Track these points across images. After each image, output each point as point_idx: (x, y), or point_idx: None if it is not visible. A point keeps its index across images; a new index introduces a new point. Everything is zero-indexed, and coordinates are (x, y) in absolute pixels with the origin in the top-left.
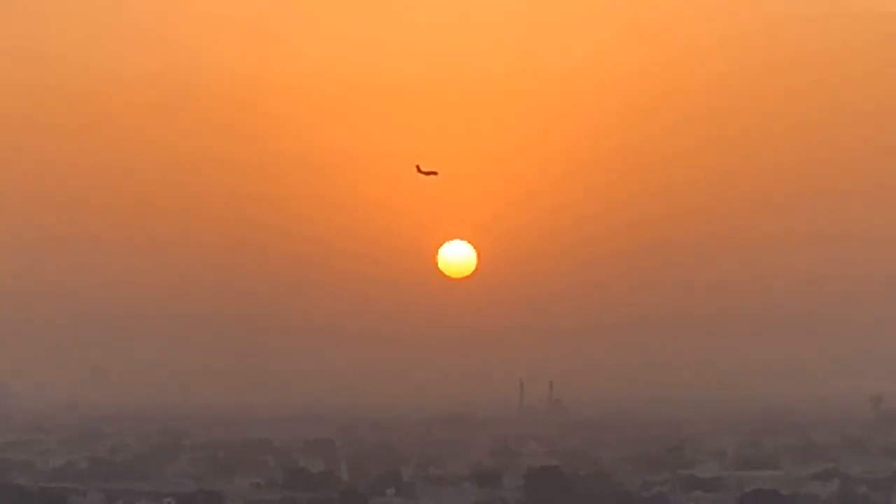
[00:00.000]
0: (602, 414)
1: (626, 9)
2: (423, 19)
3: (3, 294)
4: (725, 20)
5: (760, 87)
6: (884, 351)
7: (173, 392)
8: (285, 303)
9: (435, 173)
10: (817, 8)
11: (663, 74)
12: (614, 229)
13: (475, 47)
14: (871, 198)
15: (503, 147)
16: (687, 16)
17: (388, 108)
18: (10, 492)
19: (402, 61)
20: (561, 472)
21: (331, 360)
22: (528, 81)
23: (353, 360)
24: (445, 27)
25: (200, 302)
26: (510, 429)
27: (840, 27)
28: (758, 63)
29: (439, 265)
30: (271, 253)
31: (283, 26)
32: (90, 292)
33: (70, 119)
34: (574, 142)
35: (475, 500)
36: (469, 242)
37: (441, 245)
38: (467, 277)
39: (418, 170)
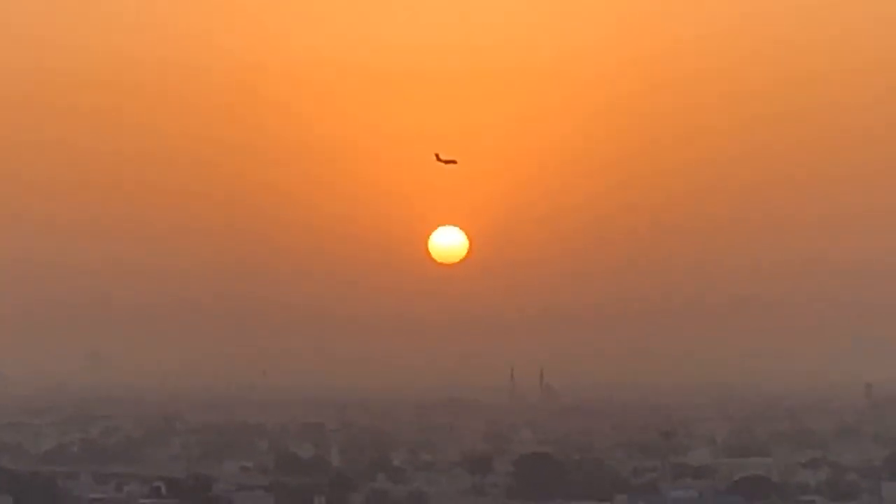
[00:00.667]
0: (593, 400)
1: (620, 3)
2: (419, 8)
3: None
4: (721, 10)
5: (754, 76)
6: (876, 338)
7: (166, 376)
8: (277, 288)
9: (454, 162)
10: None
11: (656, 64)
12: (606, 216)
13: (470, 36)
14: (864, 186)
15: (495, 133)
16: (681, 6)
17: (381, 96)
18: (1, 475)
19: (396, 49)
20: (552, 458)
21: (322, 346)
22: (522, 69)
23: (345, 345)
24: (441, 16)
25: (193, 286)
26: (502, 415)
27: (834, 16)
28: (751, 53)
29: (431, 251)
30: (263, 238)
31: (282, 13)
32: (84, 275)
33: (70, 104)
34: (567, 129)
35: (466, 486)
36: (461, 228)
37: (432, 231)
38: (459, 263)
39: (437, 158)
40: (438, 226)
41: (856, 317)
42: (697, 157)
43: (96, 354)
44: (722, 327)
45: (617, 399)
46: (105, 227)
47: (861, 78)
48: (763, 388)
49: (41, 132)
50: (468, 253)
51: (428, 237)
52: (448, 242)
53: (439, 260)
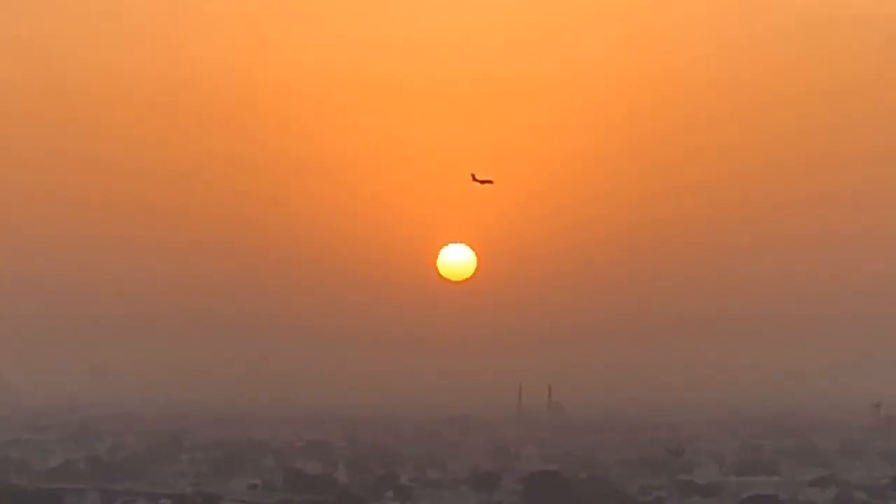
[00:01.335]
0: (601, 417)
1: (630, 12)
2: (425, 20)
3: (2, 292)
4: (730, 25)
5: (763, 90)
6: (884, 356)
7: (172, 392)
8: (285, 304)
9: (490, 182)
10: (819, 12)
11: (665, 78)
12: (614, 232)
13: (477, 49)
14: (874, 201)
15: (503, 149)
16: (690, 20)
17: (389, 109)
18: (7, 492)
19: (403, 61)
20: (559, 475)
21: (330, 362)
22: (530, 83)
23: (353, 361)
24: (448, 29)
25: (200, 302)
26: (509, 432)
27: (841, 31)
28: (760, 67)
29: (439, 268)
30: (271, 253)
31: (283, 25)
32: (89, 291)
33: (71, 117)
34: (574, 145)
35: (474, 503)
36: (469, 246)
37: (441, 248)
38: (467, 280)
39: (473, 178)
40: (447, 243)
41: (864, 335)
42: (709, 174)
43: (103, 370)
44: (730, 345)
45: (624, 416)
46: (114, 243)
47: (874, 93)
48: (771, 405)
49: (41, 145)
50: (476, 270)
51: (437, 254)
52: (456, 259)
53: (448, 277)
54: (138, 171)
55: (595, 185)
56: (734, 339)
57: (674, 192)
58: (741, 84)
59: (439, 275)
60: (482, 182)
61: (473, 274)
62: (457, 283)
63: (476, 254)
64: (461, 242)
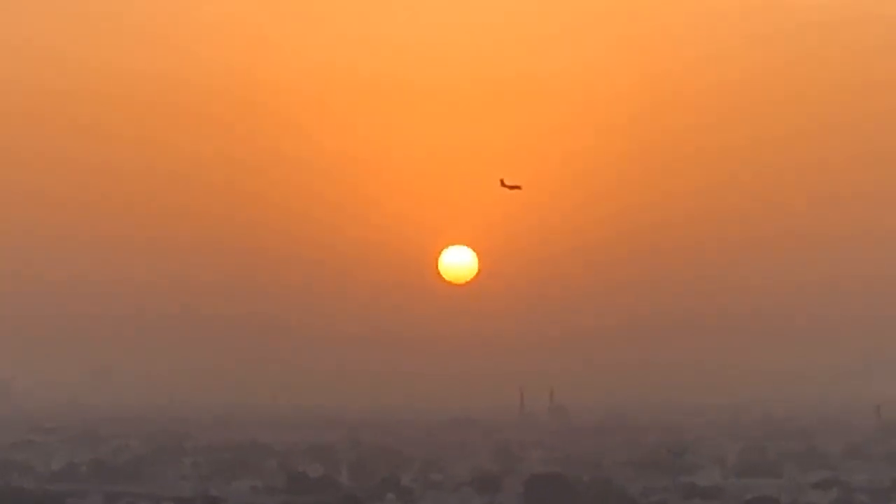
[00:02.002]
0: (603, 419)
1: (631, 14)
2: (426, 21)
3: (5, 293)
4: (730, 26)
5: (764, 92)
6: (886, 358)
7: (175, 394)
8: (286, 306)
9: (519, 188)
10: (819, 15)
11: (669, 80)
12: (616, 234)
13: (478, 49)
14: (876, 202)
15: (504, 151)
16: (692, 22)
17: (390, 111)
18: (10, 494)
19: (404, 63)
20: (562, 477)
21: (332, 364)
22: (531, 85)
23: (354, 364)
24: (449, 30)
25: (203, 304)
26: (511, 434)
27: (843, 33)
28: (760, 69)
29: (440, 270)
30: (272, 255)
31: (285, 26)
32: (92, 292)
33: (73, 118)
34: (577, 147)
35: None
36: (470, 248)
37: (442, 250)
38: (468, 283)
39: (502, 184)
40: (448, 245)
41: (867, 337)
42: (710, 175)
43: (106, 372)
44: (732, 347)
45: (627, 418)
46: (116, 244)
47: (878, 95)
48: (773, 408)
49: (44, 146)
50: (478, 272)
51: (438, 256)
52: (458, 262)
53: (449, 279)
54: (140, 171)
55: (597, 187)
56: (737, 342)
57: (676, 194)
58: (746, 86)
59: (441, 277)
60: (511, 188)
61: (475, 276)
62: (458, 285)
63: (478, 256)
64: (463, 245)
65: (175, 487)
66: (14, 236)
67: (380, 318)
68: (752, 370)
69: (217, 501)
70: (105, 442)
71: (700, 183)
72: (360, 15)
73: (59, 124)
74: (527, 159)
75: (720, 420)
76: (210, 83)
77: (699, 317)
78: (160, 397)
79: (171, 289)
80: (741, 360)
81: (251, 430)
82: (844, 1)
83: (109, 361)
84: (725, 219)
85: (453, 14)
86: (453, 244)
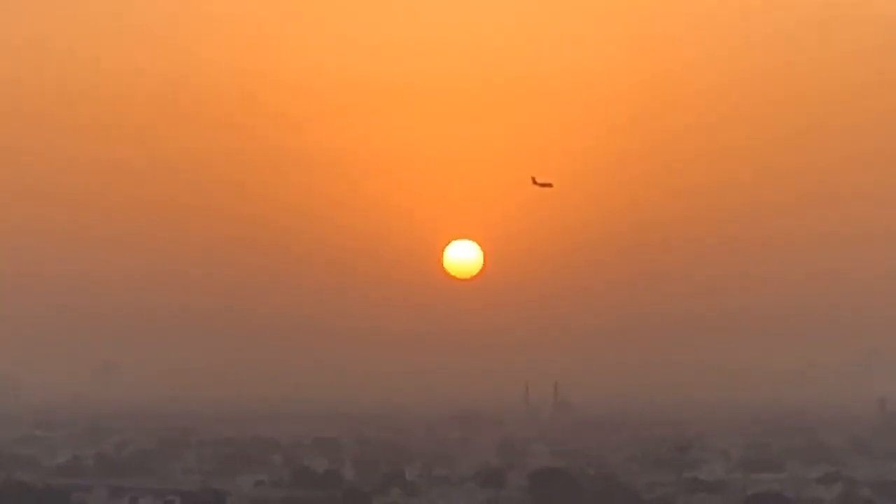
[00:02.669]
0: (608, 415)
1: (636, 15)
2: (430, 20)
3: (10, 290)
4: (731, 27)
5: (766, 92)
6: (890, 353)
7: (180, 389)
8: (292, 302)
9: (550, 185)
10: (820, 14)
11: (668, 80)
12: (621, 230)
13: (483, 47)
14: (878, 200)
15: (509, 147)
16: (696, 23)
17: (395, 107)
18: (16, 488)
19: (410, 60)
20: (566, 472)
21: (337, 359)
22: (537, 82)
23: (359, 359)
24: (454, 28)
25: (207, 299)
26: (516, 429)
27: (843, 33)
28: (762, 70)
29: (445, 265)
30: (277, 252)
31: (288, 25)
32: (96, 290)
33: (76, 117)
34: (581, 143)
35: (480, 501)
36: (475, 243)
37: (447, 245)
38: (473, 278)
39: (534, 181)
40: (453, 240)
41: (870, 333)
42: (714, 174)
43: (110, 367)
44: (736, 343)
45: (631, 414)
46: (120, 240)
47: (879, 94)
48: (777, 403)
49: (49, 145)
50: (483, 267)
51: (443, 251)
52: (463, 257)
53: (454, 274)
54: (143, 170)
55: (601, 185)
56: (740, 338)
57: (679, 192)
58: (747, 86)
59: (446, 272)
60: (542, 185)
61: (480, 271)
62: (463, 280)
63: (483, 251)
64: (468, 239)
65: (180, 481)
66: (19, 234)
67: (385, 313)
68: (756, 366)
69: (222, 495)
70: (110, 436)
71: (702, 182)
72: (364, 15)
73: (61, 123)
74: (530, 157)
75: (724, 415)
76: (212, 82)
77: (703, 314)
78: (165, 392)
79: (176, 285)
80: (745, 356)
81: (256, 425)
82: (844, 1)
83: (114, 357)
84: (729, 218)
85: (455, 15)
86: (458, 239)
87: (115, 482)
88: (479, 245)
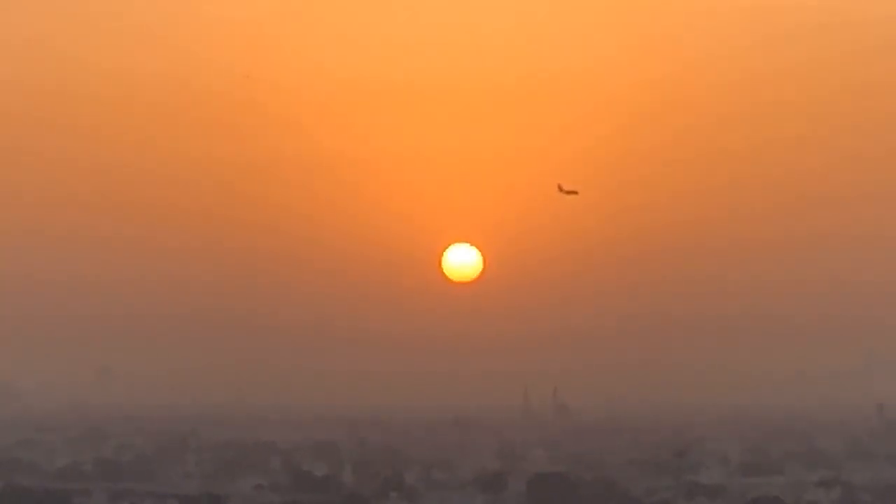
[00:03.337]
0: (607, 419)
1: (638, 15)
2: (429, 21)
3: (9, 293)
4: (734, 29)
5: (768, 94)
6: (888, 357)
7: (179, 393)
8: (291, 305)
9: (576, 193)
10: (821, 17)
11: (673, 81)
12: (620, 234)
13: (482, 49)
14: (878, 203)
15: (508, 150)
16: (698, 24)
17: (394, 111)
18: (15, 492)
19: (409, 63)
20: (565, 476)
21: (336, 363)
22: (537, 85)
23: (359, 363)
24: (452, 29)
25: (206, 302)
26: (515, 433)
27: (844, 35)
28: (767, 71)
29: (444, 269)
30: (277, 255)
31: (286, 27)
32: (96, 292)
33: (74, 119)
34: (582, 146)
35: None
36: (474, 246)
37: (446, 249)
38: (472, 281)
39: (560, 189)
40: (452, 243)
41: (869, 337)
42: (714, 177)
43: (109, 371)
44: (735, 346)
45: (630, 418)
46: (119, 243)
47: (880, 97)
48: (776, 407)
49: (46, 147)
50: (482, 271)
51: (442, 255)
52: (462, 260)
53: (453, 278)
54: (142, 172)
55: (602, 188)
56: (739, 342)
57: (680, 194)
58: (749, 87)
59: (445, 276)
60: (568, 193)
61: (479, 275)
62: (462, 284)
63: (482, 255)
64: (467, 243)
65: (179, 485)
66: (18, 237)
67: (384, 317)
68: (755, 370)
69: (221, 500)
70: (109, 440)
71: (703, 184)
72: (363, 16)
73: (59, 124)
74: (529, 159)
75: (723, 419)
76: (211, 84)
77: (702, 317)
78: (164, 396)
79: (175, 288)
80: (744, 359)
81: (255, 429)
82: (846, 3)
83: (113, 360)
84: (729, 219)
85: (453, 16)
86: (457, 243)
87: (115, 486)
88: (479, 249)
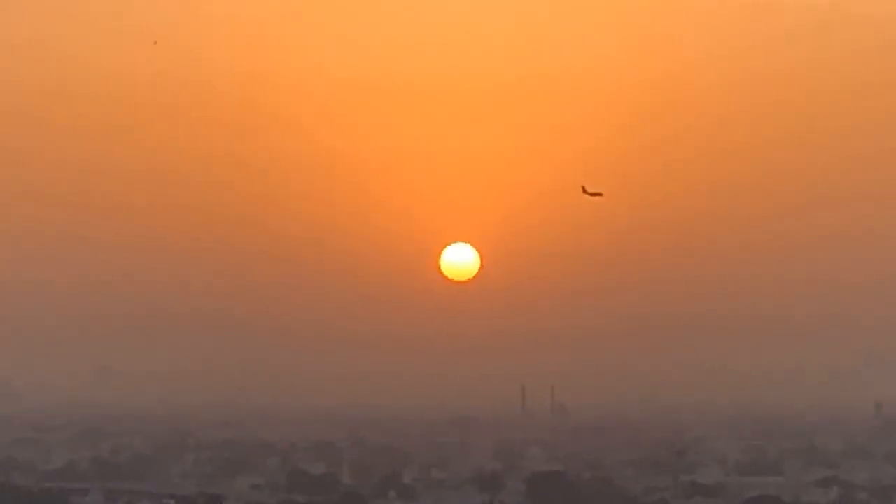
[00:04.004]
0: (605, 418)
1: (634, 15)
2: (429, 21)
3: (6, 292)
4: (737, 28)
5: (767, 93)
6: (886, 356)
7: (177, 392)
8: (289, 304)
9: (600, 195)
10: (822, 14)
11: (670, 81)
12: (617, 233)
13: (481, 49)
14: (875, 202)
15: (506, 150)
16: (698, 24)
17: (392, 110)
18: (12, 491)
19: (407, 62)
20: (563, 476)
21: (334, 363)
22: (535, 84)
23: (356, 362)
24: (452, 29)
25: (204, 302)
26: (513, 433)
27: (842, 34)
28: (766, 71)
29: (442, 268)
30: (275, 254)
31: (287, 25)
32: (93, 291)
33: (74, 118)
34: (579, 145)
35: None
36: (472, 245)
37: (444, 248)
38: (470, 281)
39: (584, 191)
40: (450, 243)
41: (867, 336)
42: (711, 176)
43: (107, 370)
44: (733, 346)
45: (628, 417)
46: (115, 243)
47: (878, 96)
48: (774, 406)
49: (45, 146)
50: (480, 270)
51: (439, 254)
52: (460, 259)
53: (451, 277)
54: (141, 171)
55: (599, 186)
56: (737, 341)
57: (678, 193)
58: (748, 86)
59: (442, 275)
60: (592, 195)
61: (477, 274)
62: (460, 283)
63: (479, 254)
64: (464, 242)
65: (177, 485)
66: (15, 237)
67: (381, 317)
68: (753, 369)
69: (219, 499)
70: (107, 440)
71: (701, 183)
72: (361, 15)
73: (57, 123)
74: (527, 158)
75: (721, 419)
76: (210, 82)
77: (700, 316)
78: (161, 396)
79: (173, 288)
80: (742, 359)
81: (253, 429)
82: (846, 2)
83: (111, 360)
84: (726, 219)
85: (451, 16)
86: (455, 242)
87: (112, 486)
88: (476, 248)
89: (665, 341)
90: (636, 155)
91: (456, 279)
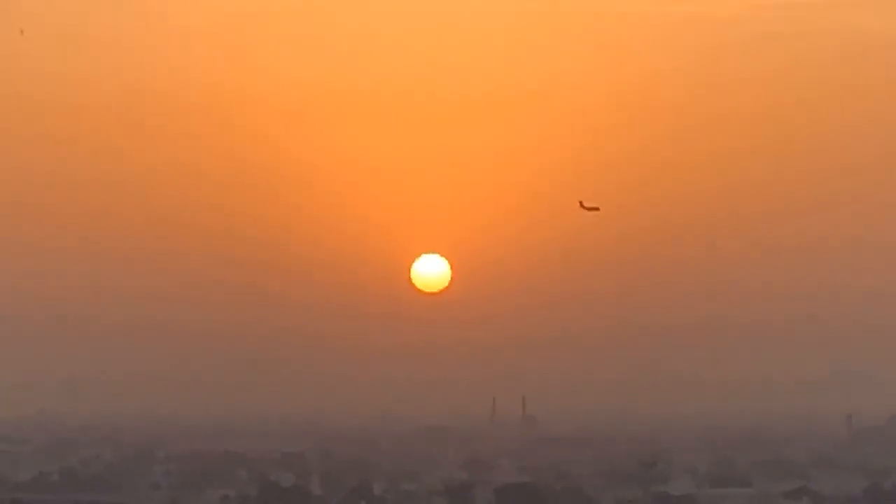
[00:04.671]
0: (575, 429)
1: (610, 24)
2: (401, 31)
3: None
4: (713, 37)
5: (756, 97)
6: (856, 368)
7: (147, 403)
8: (257, 316)
9: (597, 209)
10: (799, 26)
11: (646, 88)
12: (589, 244)
13: (452, 60)
14: (849, 212)
15: (477, 160)
16: (673, 30)
17: (362, 120)
18: None
19: (377, 73)
20: (533, 487)
21: (304, 374)
22: (508, 95)
23: (326, 373)
24: (422, 40)
25: (172, 313)
26: (483, 444)
27: (820, 43)
28: (744, 77)
29: (413, 279)
30: (245, 264)
31: (256, 37)
32: (64, 300)
33: (40, 127)
34: (550, 156)
35: None
36: (443, 257)
37: (415, 259)
38: (441, 292)
39: (581, 205)
40: (421, 254)
41: (836, 347)
42: (691, 185)
43: (76, 381)
44: (703, 357)
45: (598, 428)
46: (85, 252)
47: (859, 103)
48: (744, 418)
49: (19, 156)
50: (451, 281)
51: (410, 265)
52: (431, 271)
53: (422, 288)
54: (114, 183)
55: (572, 197)
56: (707, 352)
57: (654, 202)
58: (729, 93)
59: (413, 286)
60: (589, 209)
61: (448, 285)
62: (431, 294)
63: (451, 265)
64: (436, 253)
65: (146, 496)
66: None
67: (352, 327)
68: (723, 380)
69: None
70: (76, 451)
71: (679, 193)
72: (330, 25)
73: (26, 133)
74: (501, 169)
75: (692, 430)
76: (183, 95)
77: (669, 328)
78: (131, 407)
79: (141, 299)
80: (712, 370)
81: (222, 440)
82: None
83: (79, 370)
84: (699, 229)
85: (424, 26)
86: (426, 253)
87: (81, 497)
88: (447, 259)
89: (635, 353)
90: (612, 166)
91: (427, 290)
